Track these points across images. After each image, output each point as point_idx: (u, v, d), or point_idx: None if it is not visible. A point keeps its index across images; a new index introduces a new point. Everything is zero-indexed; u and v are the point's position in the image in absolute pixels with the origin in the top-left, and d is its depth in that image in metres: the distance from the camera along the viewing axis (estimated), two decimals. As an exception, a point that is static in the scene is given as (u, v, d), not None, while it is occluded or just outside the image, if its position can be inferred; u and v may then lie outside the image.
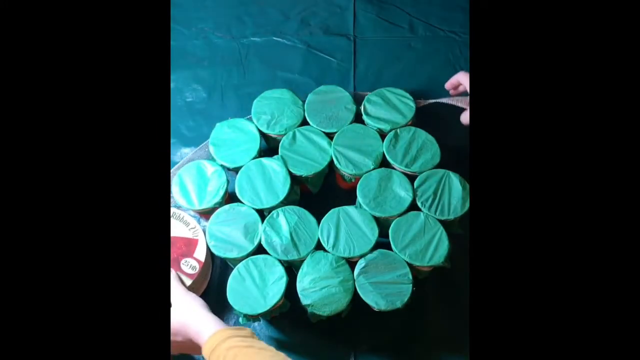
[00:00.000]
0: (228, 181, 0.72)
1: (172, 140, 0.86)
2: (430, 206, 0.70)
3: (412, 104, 0.77)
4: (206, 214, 0.73)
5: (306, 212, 0.70)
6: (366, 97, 0.79)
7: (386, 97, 0.78)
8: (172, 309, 0.58)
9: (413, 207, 0.70)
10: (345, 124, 0.76)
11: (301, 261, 0.67)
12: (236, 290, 0.65)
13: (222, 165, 0.74)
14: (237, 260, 0.68)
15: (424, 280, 0.71)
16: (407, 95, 0.78)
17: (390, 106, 0.77)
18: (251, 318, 0.65)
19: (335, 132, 0.75)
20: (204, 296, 0.66)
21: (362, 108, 0.78)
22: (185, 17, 1.00)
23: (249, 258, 0.67)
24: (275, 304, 0.64)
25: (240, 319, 0.65)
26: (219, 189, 0.71)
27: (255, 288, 0.65)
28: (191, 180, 0.72)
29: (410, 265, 0.66)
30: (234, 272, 0.66)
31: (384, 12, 0.99)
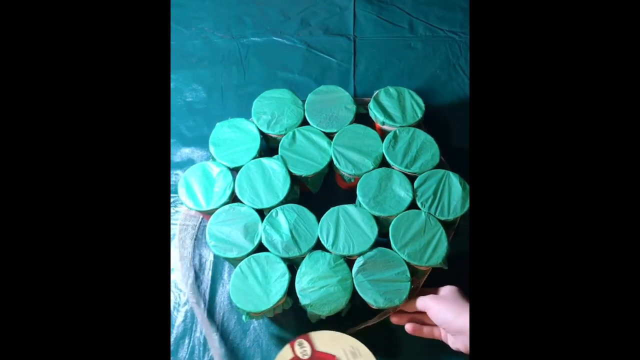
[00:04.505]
0: (234, 181, 0.72)
1: (172, 140, 0.86)
2: (430, 206, 0.70)
3: (419, 115, 0.77)
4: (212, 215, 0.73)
5: (305, 209, 0.70)
6: (387, 87, 0.80)
7: (403, 97, 0.79)
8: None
9: (413, 207, 0.70)
10: (345, 124, 0.76)
11: (302, 258, 0.67)
12: (239, 288, 0.65)
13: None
14: (237, 260, 0.68)
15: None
16: (422, 107, 0.78)
17: (400, 105, 0.78)
18: (254, 316, 0.65)
19: (335, 132, 0.76)
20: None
21: (375, 93, 0.79)
22: (185, 17, 1.00)
23: (250, 256, 0.67)
24: (278, 301, 0.64)
25: (244, 317, 0.65)
26: (225, 189, 0.71)
27: (258, 285, 0.65)
28: (197, 181, 0.72)
29: (408, 265, 0.66)
30: (236, 270, 0.66)
31: (384, 12, 1.00)
